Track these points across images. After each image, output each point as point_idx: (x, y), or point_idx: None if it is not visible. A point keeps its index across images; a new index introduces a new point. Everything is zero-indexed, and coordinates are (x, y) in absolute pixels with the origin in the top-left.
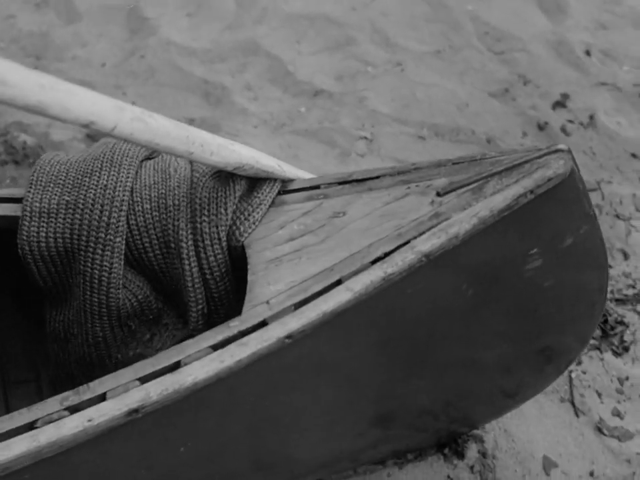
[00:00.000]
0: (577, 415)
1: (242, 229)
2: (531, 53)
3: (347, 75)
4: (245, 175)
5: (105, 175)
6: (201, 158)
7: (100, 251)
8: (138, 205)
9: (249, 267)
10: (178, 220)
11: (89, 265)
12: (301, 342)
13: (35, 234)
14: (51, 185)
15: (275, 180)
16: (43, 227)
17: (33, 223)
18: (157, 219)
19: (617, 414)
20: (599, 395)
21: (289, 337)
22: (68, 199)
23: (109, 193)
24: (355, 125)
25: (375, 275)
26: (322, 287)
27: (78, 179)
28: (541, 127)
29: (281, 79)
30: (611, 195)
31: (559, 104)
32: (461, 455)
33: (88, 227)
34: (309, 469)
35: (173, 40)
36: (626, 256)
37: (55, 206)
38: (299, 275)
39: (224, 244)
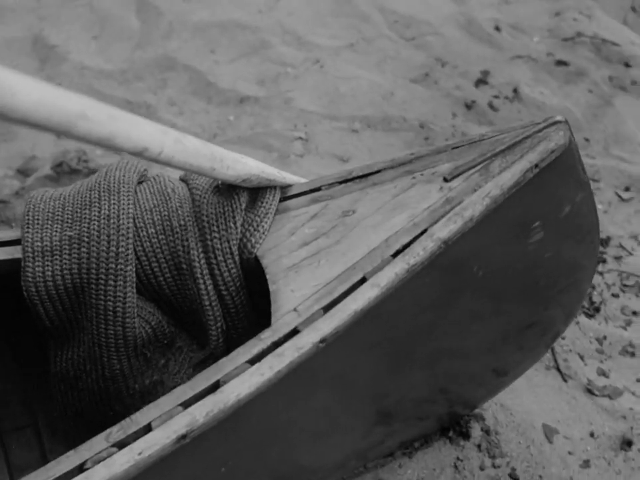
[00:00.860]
0: (565, 380)
1: (253, 240)
2: (443, 36)
3: (268, 79)
4: (250, 186)
5: (105, 204)
6: (220, 174)
7: (112, 282)
8: (142, 231)
9: (268, 276)
10: (187, 240)
11: (102, 297)
12: (332, 345)
13: (40, 274)
14: (49, 222)
15: (275, 187)
16: (48, 265)
17: (37, 263)
18: (164, 242)
19: (602, 373)
20: (582, 357)
21: (322, 341)
22: (70, 233)
23: (114, 222)
24: (287, 127)
25: (398, 267)
26: (348, 287)
27: (77, 212)
28: (469, 106)
29: (203, 90)
30: None
31: (481, 81)
32: (466, 436)
33: (97, 259)
34: (323, 475)
35: (86, 64)
36: None
37: (58, 243)
38: (321, 278)
39: (236, 258)
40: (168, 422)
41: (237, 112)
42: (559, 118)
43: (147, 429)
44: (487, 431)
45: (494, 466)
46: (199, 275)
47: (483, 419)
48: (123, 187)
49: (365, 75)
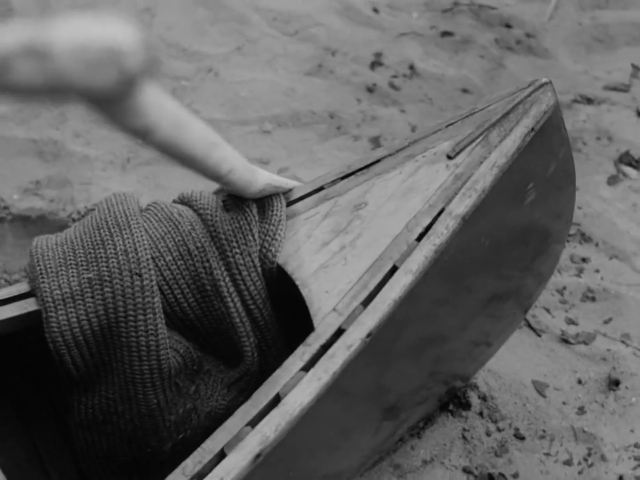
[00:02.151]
0: (539, 335)
1: (273, 249)
2: (325, 25)
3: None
4: (262, 195)
5: (119, 240)
6: (248, 189)
7: (142, 317)
8: (159, 260)
9: (297, 282)
10: (207, 261)
11: (133, 333)
12: (375, 337)
13: (65, 322)
14: (63, 268)
15: (279, 194)
16: (71, 312)
17: (60, 312)
18: (184, 267)
19: (571, 322)
20: (548, 310)
21: (368, 335)
22: (89, 275)
23: (132, 256)
24: None
25: (425, 250)
26: (381, 278)
27: (90, 253)
28: (371, 90)
29: None
30: None
31: (376, 63)
32: (466, 406)
33: (122, 296)
34: (347, 477)
35: None
36: None
37: (78, 287)
38: (352, 274)
39: (259, 270)
40: (240, 444)
41: None
42: (544, 80)
43: (221, 455)
44: (483, 398)
45: (498, 429)
46: (226, 294)
47: (477, 387)
48: (131, 219)
49: (260, 75)
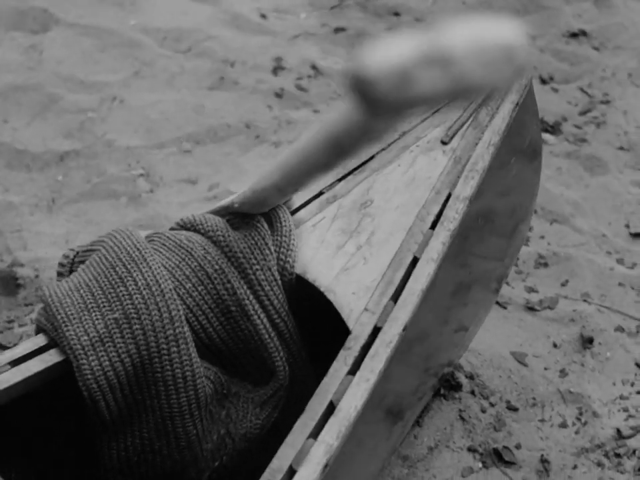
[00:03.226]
0: (505, 308)
1: (290, 260)
2: (216, 38)
3: (75, 130)
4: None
5: (138, 275)
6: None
7: (175, 348)
8: (180, 289)
9: (321, 289)
10: (229, 282)
11: (168, 367)
12: (409, 329)
13: (98, 367)
14: (86, 313)
15: (280, 205)
16: (103, 355)
17: (91, 357)
18: (205, 292)
19: (531, 290)
20: (507, 283)
21: (404, 329)
22: (115, 316)
23: (156, 290)
24: (122, 169)
25: (442, 236)
26: (404, 271)
27: (110, 293)
28: (279, 95)
29: (17, 160)
30: None
31: (278, 68)
32: (457, 387)
33: (153, 330)
34: None
35: None
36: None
37: (105, 329)
38: (374, 272)
39: (279, 282)
40: (307, 458)
41: (63, 170)
42: None
43: (291, 472)
44: (470, 377)
45: (491, 405)
46: (252, 312)
47: (462, 367)
48: (145, 252)
49: (164, 96)
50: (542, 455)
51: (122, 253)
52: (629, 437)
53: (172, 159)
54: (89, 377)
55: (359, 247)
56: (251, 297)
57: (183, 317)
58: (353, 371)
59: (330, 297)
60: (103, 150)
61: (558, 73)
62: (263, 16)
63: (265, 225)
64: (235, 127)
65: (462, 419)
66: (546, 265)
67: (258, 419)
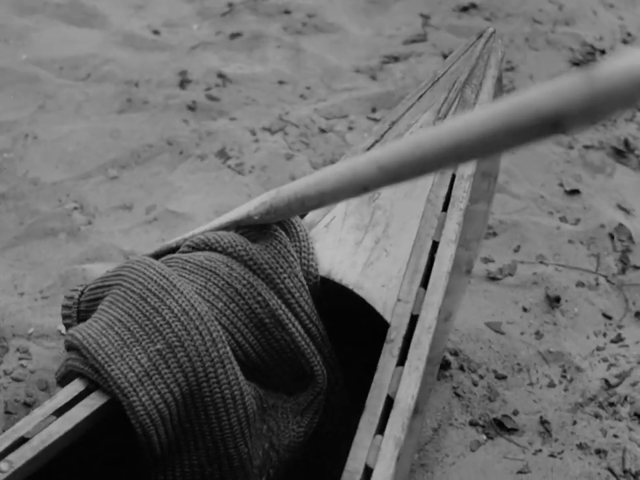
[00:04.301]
0: (469, 282)
1: (313, 264)
2: (114, 60)
3: None
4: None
5: (172, 303)
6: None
7: (221, 370)
8: (213, 310)
9: (350, 287)
10: (259, 295)
11: (217, 389)
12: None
13: (149, 401)
14: (126, 349)
15: None
16: (151, 389)
17: (141, 393)
18: (237, 309)
19: (488, 260)
20: None
21: (440, 312)
22: (157, 347)
23: (193, 314)
24: (54, 205)
25: (455, 216)
26: (427, 257)
27: (147, 325)
28: (192, 108)
29: None
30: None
31: (184, 82)
32: (447, 365)
33: (198, 355)
34: None
35: None
36: None
37: (149, 363)
38: (398, 262)
39: (306, 287)
40: (380, 454)
41: None
42: (489, 30)
43: (367, 470)
44: (455, 354)
45: (481, 377)
46: (287, 321)
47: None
48: (172, 278)
49: (76, 126)
50: (540, 417)
51: (149, 283)
52: (617, 385)
53: (101, 187)
54: (142, 412)
55: (377, 240)
56: (283, 305)
57: (224, 337)
58: (401, 361)
59: (360, 293)
60: (30, 189)
61: (456, 47)
62: (156, 32)
63: (284, 233)
64: (157, 145)
65: (457, 395)
66: (495, 234)
67: (300, 426)
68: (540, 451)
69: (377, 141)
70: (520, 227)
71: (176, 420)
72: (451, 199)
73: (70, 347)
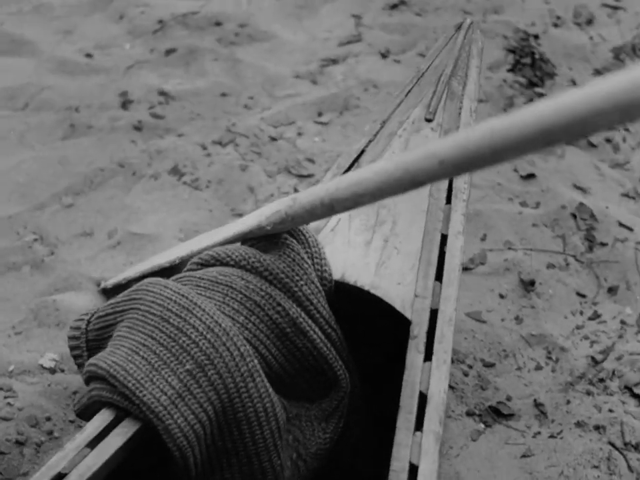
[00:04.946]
0: None
1: (327, 269)
2: (51, 87)
3: None
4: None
5: (196, 321)
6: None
7: (252, 384)
8: (235, 325)
9: (366, 288)
10: (279, 304)
11: (249, 403)
12: None
13: (184, 423)
14: (155, 373)
15: None
16: (185, 410)
17: (176, 415)
18: (258, 321)
19: None
20: None
21: (456, 300)
22: (187, 367)
23: (218, 330)
24: (12, 239)
25: (459, 207)
26: (438, 250)
27: (173, 346)
28: (138, 127)
29: None
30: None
31: (126, 102)
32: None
33: (228, 371)
34: None
35: None
36: None
37: (180, 384)
38: (411, 258)
39: (322, 293)
40: (424, 450)
41: None
42: (467, 20)
43: (413, 468)
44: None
45: (470, 367)
46: (308, 328)
47: None
48: (191, 296)
49: (23, 157)
50: (534, 400)
51: (168, 303)
52: (603, 360)
53: (58, 216)
54: (179, 435)
55: (386, 239)
56: (302, 313)
57: (251, 351)
58: (428, 356)
59: (377, 293)
60: None
61: (392, 45)
62: (89, 55)
63: (295, 241)
64: (108, 169)
65: (450, 387)
66: None
67: (326, 433)
68: (539, 433)
69: (370, 141)
70: (483, 215)
71: (210, 439)
72: (453, 191)
73: (92, 378)
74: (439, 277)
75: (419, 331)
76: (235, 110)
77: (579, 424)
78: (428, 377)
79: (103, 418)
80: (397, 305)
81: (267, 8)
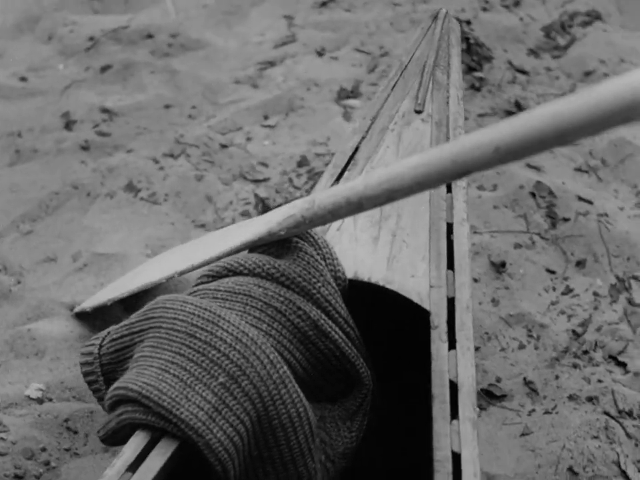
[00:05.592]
0: None
1: (340, 269)
2: None
3: None
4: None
5: (223, 333)
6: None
7: (284, 390)
8: (260, 334)
9: (381, 283)
10: (299, 309)
11: (283, 410)
12: None
13: (223, 436)
14: (189, 390)
15: None
16: (223, 423)
17: (215, 430)
18: (280, 327)
19: None
20: None
21: (470, 286)
22: (220, 380)
23: (246, 340)
24: None
25: (460, 195)
26: (446, 239)
27: (203, 361)
28: (86, 147)
29: None
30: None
31: (70, 123)
32: None
33: (261, 380)
34: None
35: None
36: None
37: (215, 397)
38: (420, 250)
39: (339, 292)
40: (464, 439)
41: None
42: (442, 10)
43: (456, 457)
44: None
45: None
46: (329, 329)
47: None
48: (213, 308)
49: None
50: (524, 379)
51: (192, 318)
52: (583, 333)
53: (19, 244)
54: (220, 449)
55: (393, 234)
56: (323, 315)
57: (280, 357)
58: (452, 345)
59: (392, 287)
60: None
61: (327, 42)
62: (23, 79)
63: (305, 243)
64: (62, 192)
65: None
66: None
67: (351, 432)
68: (534, 410)
69: (363, 138)
70: None
71: (246, 450)
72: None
73: (122, 401)
74: (450, 265)
75: (439, 320)
76: (180, 121)
77: (571, 397)
78: (455, 365)
79: (138, 440)
80: (414, 297)
81: (196, 17)
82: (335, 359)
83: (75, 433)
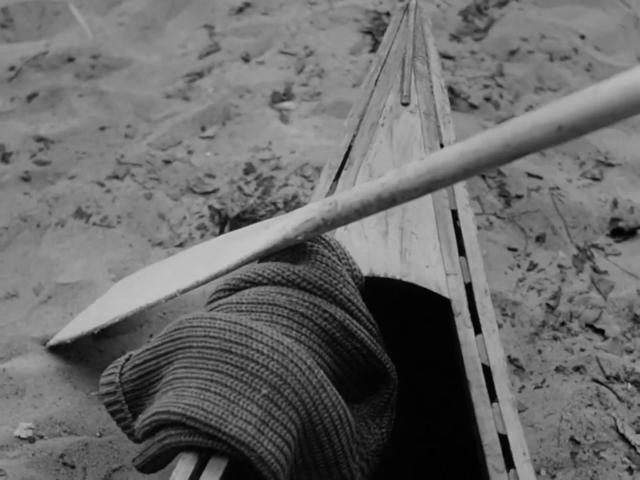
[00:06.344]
0: None
1: (356, 267)
2: None
3: None
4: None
5: (258, 345)
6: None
7: (324, 394)
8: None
9: (398, 277)
10: (325, 312)
11: (326, 414)
12: None
13: (274, 448)
14: (233, 406)
15: None
16: (272, 435)
17: (265, 442)
18: (309, 332)
19: None
20: None
21: (483, 270)
22: (264, 392)
23: (283, 349)
24: None
25: (462, 185)
26: (453, 226)
27: (243, 375)
28: (27, 178)
29: None
30: None
31: (5, 155)
32: None
33: (302, 386)
34: None
35: None
36: None
37: (260, 410)
38: (430, 239)
39: (358, 291)
40: (505, 419)
41: None
42: (412, 2)
43: (503, 438)
44: None
45: None
46: (355, 329)
47: None
48: (242, 320)
49: None
50: (508, 357)
51: (224, 334)
52: (557, 305)
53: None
54: (272, 461)
55: (401, 227)
56: (347, 315)
57: (315, 362)
58: (477, 329)
59: (411, 280)
60: None
61: (250, 48)
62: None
63: (319, 245)
64: (12, 226)
65: None
66: None
67: (381, 428)
68: (524, 387)
69: (354, 136)
70: None
71: (290, 457)
72: None
73: (162, 426)
74: (462, 251)
75: (460, 307)
76: (118, 141)
77: (558, 369)
78: (484, 348)
79: (186, 463)
80: (432, 287)
81: (113, 35)
82: (362, 357)
83: (72, 467)
